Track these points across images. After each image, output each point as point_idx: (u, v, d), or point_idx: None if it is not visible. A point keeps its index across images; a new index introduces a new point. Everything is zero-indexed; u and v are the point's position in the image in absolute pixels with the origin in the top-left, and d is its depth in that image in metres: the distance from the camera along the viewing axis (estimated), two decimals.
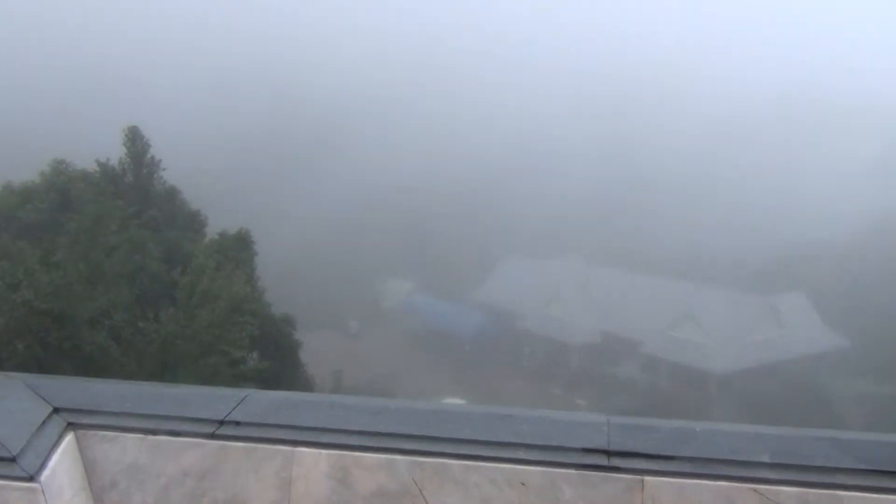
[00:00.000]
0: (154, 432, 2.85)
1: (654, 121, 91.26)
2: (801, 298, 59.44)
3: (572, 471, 2.65)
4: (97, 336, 12.81)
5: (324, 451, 2.75)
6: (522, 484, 2.64)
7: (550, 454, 2.68)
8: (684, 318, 55.72)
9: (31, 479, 2.60)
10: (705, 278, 60.27)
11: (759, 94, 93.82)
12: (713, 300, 56.54)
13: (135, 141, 23.07)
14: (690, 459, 2.64)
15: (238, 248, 20.01)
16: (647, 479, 2.61)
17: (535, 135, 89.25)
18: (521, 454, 2.69)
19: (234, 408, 2.93)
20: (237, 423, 2.87)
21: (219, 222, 21.26)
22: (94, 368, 12.90)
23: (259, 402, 2.99)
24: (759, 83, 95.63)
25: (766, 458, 2.61)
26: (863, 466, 2.58)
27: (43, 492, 2.61)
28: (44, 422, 2.82)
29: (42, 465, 2.66)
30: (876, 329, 54.65)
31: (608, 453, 2.68)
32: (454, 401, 48.73)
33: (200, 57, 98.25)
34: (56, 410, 2.89)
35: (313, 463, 2.74)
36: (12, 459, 2.61)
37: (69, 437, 2.82)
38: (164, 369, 13.00)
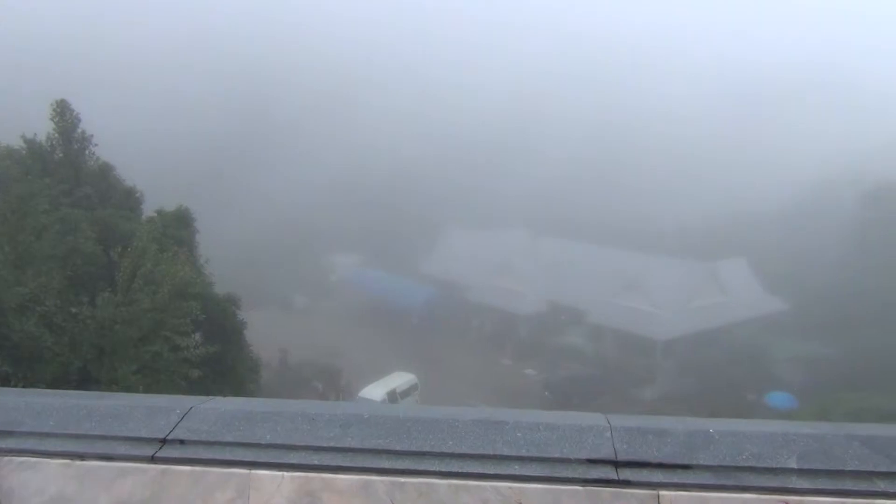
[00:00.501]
0: (83, 457, 2.36)
1: (596, 93, 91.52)
2: (741, 264, 60.66)
3: (578, 487, 2.27)
4: (27, 323, 12.05)
5: (287, 474, 2.31)
6: None
7: (551, 467, 2.29)
8: (629, 286, 56.34)
9: None
10: (649, 246, 60.99)
11: (698, 66, 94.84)
12: (657, 268, 57.25)
13: (64, 115, 21.77)
14: (710, 468, 2.28)
15: (177, 226, 19.23)
16: (664, 493, 2.25)
17: (477, 107, 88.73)
18: (518, 469, 2.30)
19: (178, 423, 2.47)
20: (182, 442, 2.41)
21: (156, 200, 20.40)
22: (24, 358, 12.17)
23: (207, 414, 2.52)
24: (700, 56, 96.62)
25: (794, 464, 2.27)
26: None
27: None
28: None
29: None
30: (812, 292, 56.19)
31: (616, 464, 2.30)
32: (404, 375, 48.52)
33: (142, 29, 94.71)
34: None
35: (275, 488, 2.29)
36: None
37: None
38: (102, 356, 12.33)
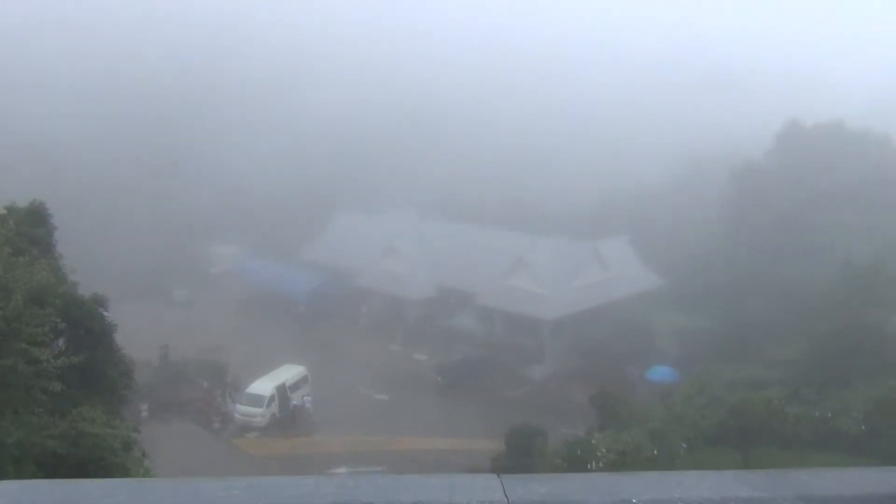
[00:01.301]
0: None
1: (479, 74, 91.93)
2: (623, 242, 62.47)
3: None
4: None
5: None
6: None
7: None
8: (515, 267, 56.98)
9: None
10: (532, 228, 61.83)
11: (577, 49, 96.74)
12: (541, 248, 58.15)
13: None
14: None
15: (32, 223, 17.62)
16: None
17: (361, 90, 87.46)
18: None
19: None
20: None
21: (12, 194, 18.62)
22: None
23: None
24: (579, 39, 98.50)
25: None
26: None
27: None
28: None
29: None
30: (688, 266, 58.51)
31: None
32: (293, 367, 47.32)
33: None
34: None
35: None
36: None
37: None
38: None
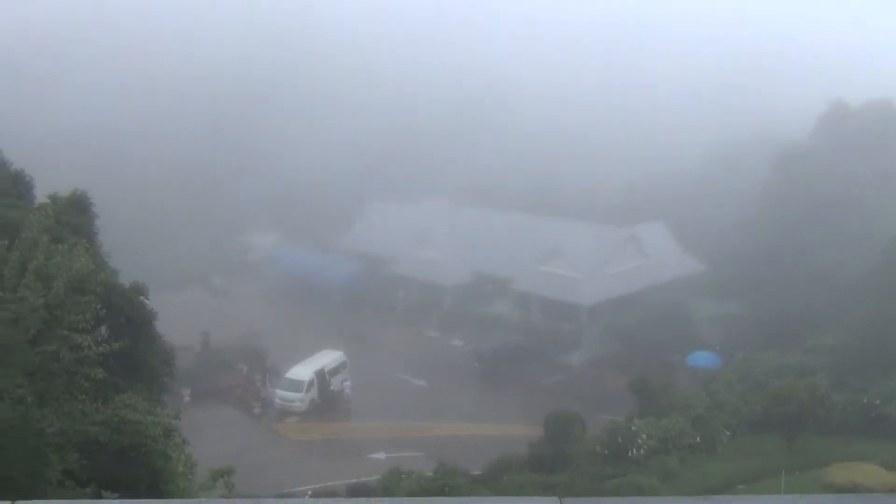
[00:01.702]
0: None
1: (508, 57, 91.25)
2: (660, 227, 61.65)
3: None
4: None
5: None
6: None
7: None
8: (551, 253, 56.55)
9: None
10: (568, 213, 61.32)
11: (610, 32, 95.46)
12: (578, 234, 57.62)
13: None
14: None
15: (73, 212, 17.80)
16: None
17: (392, 80, 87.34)
18: None
19: None
20: None
21: (49, 184, 18.84)
22: None
23: None
24: (612, 22, 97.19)
25: None
26: None
27: None
28: None
29: None
30: (729, 252, 57.49)
31: None
32: (331, 353, 47.54)
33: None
34: None
35: None
36: None
37: None
38: None
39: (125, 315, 17.03)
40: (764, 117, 71.16)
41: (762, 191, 60.11)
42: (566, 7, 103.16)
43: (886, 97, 61.62)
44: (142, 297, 17.48)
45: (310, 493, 33.50)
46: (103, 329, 16.61)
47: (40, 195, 19.10)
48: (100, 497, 11.65)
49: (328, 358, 47.10)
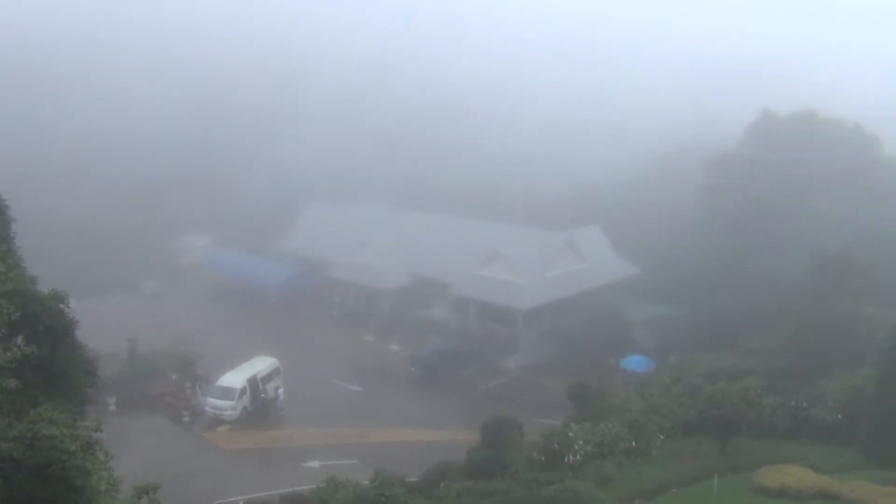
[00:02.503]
0: None
1: (443, 63, 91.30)
2: (596, 231, 62.37)
3: None
4: None
5: None
6: None
7: None
8: (490, 258, 56.59)
9: None
10: (506, 218, 61.54)
11: (548, 35, 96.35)
12: (516, 238, 57.82)
13: None
14: None
15: None
16: None
17: (328, 79, 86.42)
18: None
19: None
20: None
21: None
22: None
23: None
24: (552, 26, 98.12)
25: None
26: None
27: None
28: None
29: None
30: (663, 256, 58.52)
31: None
32: (265, 359, 46.49)
33: None
34: None
35: None
36: None
37: None
38: None
39: (43, 323, 16.15)
40: (697, 125, 72.73)
41: (696, 196, 61.36)
42: (510, 16, 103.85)
43: (811, 108, 63.71)
44: (61, 305, 16.61)
45: (241, 503, 32.62)
46: (19, 339, 15.70)
47: None
48: None
49: (261, 364, 46.06)
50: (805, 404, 33.27)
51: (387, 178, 71.26)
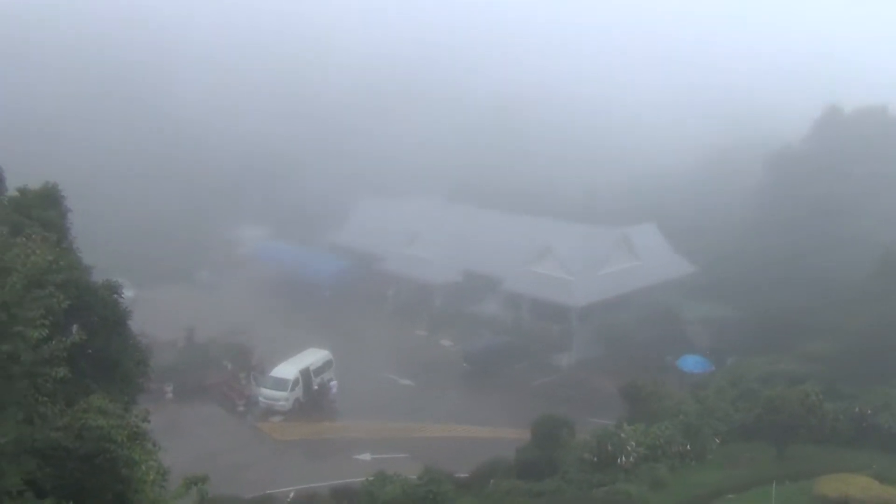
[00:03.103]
0: None
1: (505, 59, 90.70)
2: (652, 228, 61.20)
3: None
4: None
5: None
6: None
7: None
8: (542, 254, 55.99)
9: None
10: (560, 213, 60.82)
11: (609, 34, 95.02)
12: (569, 235, 57.09)
13: None
14: None
15: (43, 205, 17.08)
16: None
17: (383, 75, 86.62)
18: None
19: None
20: None
21: (22, 178, 18.06)
22: None
23: None
24: (613, 24, 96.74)
25: None
26: None
27: None
28: None
29: None
30: (721, 254, 57.09)
31: None
32: (317, 351, 46.81)
33: None
34: None
35: None
36: None
37: None
38: None
39: (97, 313, 16.35)
40: (758, 121, 70.84)
41: (756, 193, 59.71)
42: (562, 9, 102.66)
43: (880, 103, 61.41)
44: (115, 295, 16.80)
45: (292, 494, 32.87)
46: (74, 328, 15.91)
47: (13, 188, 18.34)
48: None
49: (314, 356, 46.39)
50: (869, 411, 32.02)
51: (439, 172, 71.14)
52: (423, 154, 75.10)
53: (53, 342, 11.84)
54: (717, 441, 31.85)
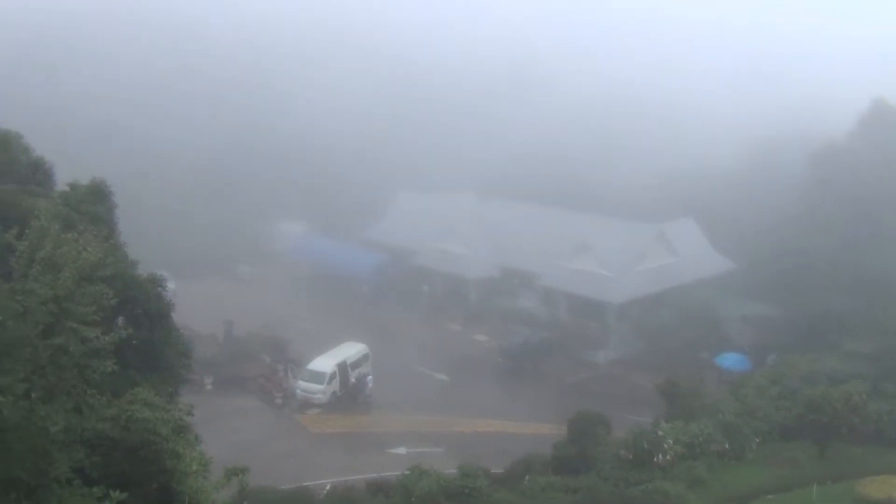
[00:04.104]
0: None
1: (542, 53, 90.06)
2: (690, 224, 60.50)
3: None
4: None
5: None
6: None
7: None
8: (579, 249, 55.71)
9: None
10: (597, 208, 60.31)
11: (648, 28, 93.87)
12: (606, 230, 56.64)
13: None
14: None
15: (92, 200, 17.47)
16: None
17: (419, 69, 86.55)
18: None
19: None
20: None
21: (70, 173, 18.47)
22: None
23: None
24: (652, 18, 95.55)
25: None
26: None
27: None
28: None
29: None
30: (762, 252, 56.16)
31: None
32: (354, 345, 47.14)
33: None
34: None
35: None
36: None
37: None
38: None
39: (141, 306, 16.71)
40: (801, 114, 69.43)
41: (799, 189, 58.58)
42: (605, 6, 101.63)
43: None
44: (159, 289, 17.14)
45: (328, 486, 33.22)
46: (119, 320, 16.28)
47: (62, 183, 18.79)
48: (106, 498, 11.25)
49: (351, 350, 46.75)
50: None
51: (476, 166, 71.00)
52: (459, 148, 74.94)
53: (104, 337, 12.15)
54: (757, 440, 31.48)
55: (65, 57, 79.53)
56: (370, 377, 45.87)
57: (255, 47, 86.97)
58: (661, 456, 28.74)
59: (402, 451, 37.75)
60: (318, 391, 43.78)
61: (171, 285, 24.71)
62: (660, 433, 29.56)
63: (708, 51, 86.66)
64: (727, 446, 30.21)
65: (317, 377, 44.14)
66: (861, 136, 60.28)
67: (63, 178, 18.86)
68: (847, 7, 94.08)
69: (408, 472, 27.62)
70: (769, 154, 67.85)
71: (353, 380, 45.31)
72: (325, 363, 44.86)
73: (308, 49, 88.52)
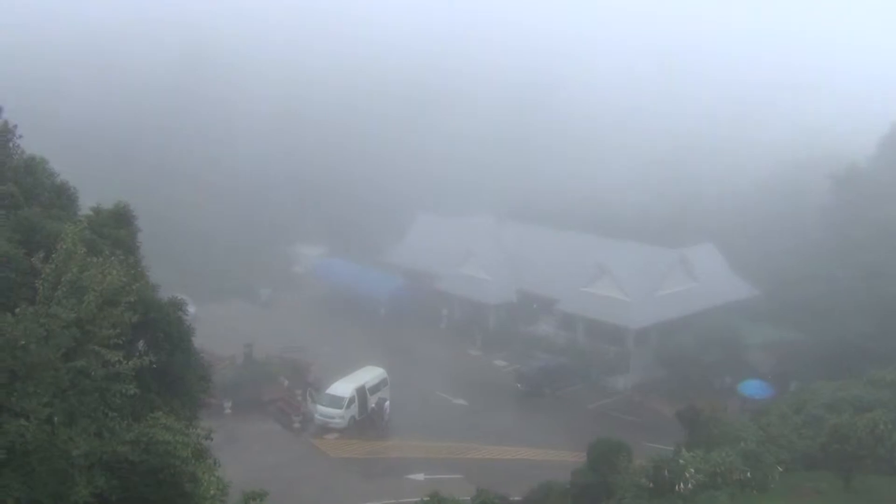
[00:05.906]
0: None
1: (559, 77, 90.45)
2: (711, 249, 60.10)
3: None
4: None
5: None
6: None
7: None
8: (598, 274, 55.45)
9: None
10: (616, 233, 60.13)
11: (666, 50, 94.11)
12: (625, 255, 56.38)
13: None
14: None
15: (115, 224, 17.67)
16: None
17: (435, 93, 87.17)
18: None
19: None
20: None
21: (93, 196, 18.74)
22: None
23: None
24: (668, 42, 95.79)
25: None
26: None
27: None
28: None
29: None
30: (784, 277, 55.61)
31: None
32: (373, 369, 47.08)
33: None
34: None
35: None
36: None
37: None
38: (13, 381, 10.84)
39: (162, 330, 16.82)
40: (822, 138, 69.11)
41: (820, 214, 58.11)
42: (621, 19, 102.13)
43: None
44: (179, 313, 17.26)
45: None
46: (140, 344, 16.39)
47: (86, 207, 19.04)
48: None
49: (370, 374, 46.68)
50: None
51: (495, 189, 71.16)
52: (478, 172, 75.22)
53: (126, 362, 12.25)
54: (780, 469, 30.88)
55: (88, 81, 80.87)
56: (388, 402, 45.74)
57: (277, 73, 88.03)
58: (682, 485, 28.29)
59: (420, 477, 37.50)
60: (337, 416, 43.70)
61: (191, 309, 24.91)
62: (680, 461, 29.11)
63: (724, 74, 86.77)
64: (749, 475, 29.63)
65: (335, 402, 44.09)
66: (882, 159, 59.86)
67: (86, 201, 19.12)
68: (866, 31, 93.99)
69: (426, 499, 27.38)
70: (790, 177, 67.55)
71: (372, 405, 45.19)
72: (343, 388, 44.80)
73: (329, 73, 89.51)
